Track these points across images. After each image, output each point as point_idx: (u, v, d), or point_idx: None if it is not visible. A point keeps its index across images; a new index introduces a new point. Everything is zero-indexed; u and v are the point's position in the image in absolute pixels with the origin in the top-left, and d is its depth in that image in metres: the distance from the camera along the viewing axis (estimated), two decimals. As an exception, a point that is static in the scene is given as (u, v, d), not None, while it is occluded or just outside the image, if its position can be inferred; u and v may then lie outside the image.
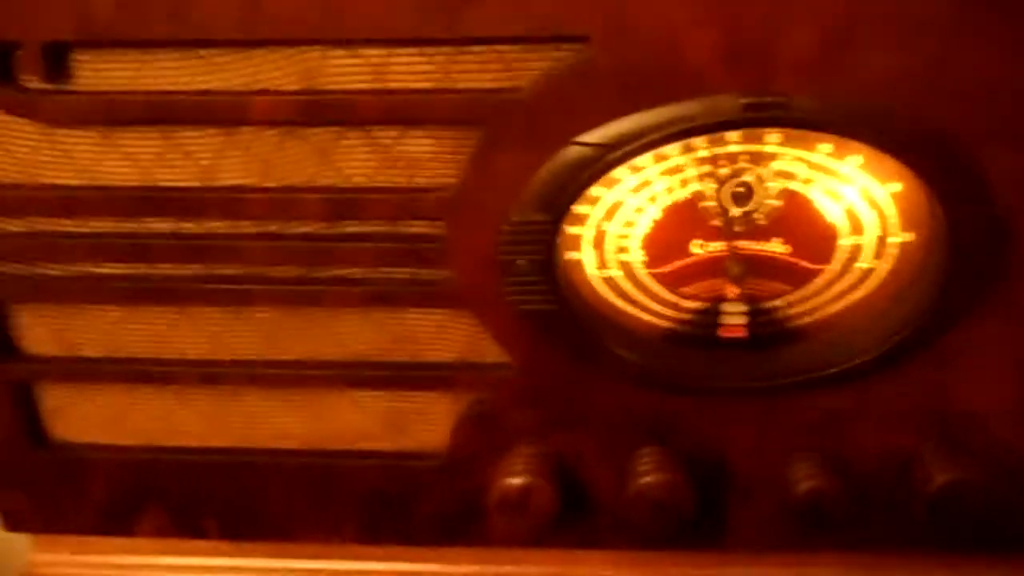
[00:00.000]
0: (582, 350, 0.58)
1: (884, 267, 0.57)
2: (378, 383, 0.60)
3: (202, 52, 0.53)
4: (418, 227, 0.56)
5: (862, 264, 0.57)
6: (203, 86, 0.53)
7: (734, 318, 0.59)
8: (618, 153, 0.52)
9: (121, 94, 0.54)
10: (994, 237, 0.53)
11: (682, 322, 0.59)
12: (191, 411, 0.63)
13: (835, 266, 0.57)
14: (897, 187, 0.55)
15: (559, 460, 0.60)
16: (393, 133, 0.54)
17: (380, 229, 0.56)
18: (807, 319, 0.59)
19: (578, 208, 0.55)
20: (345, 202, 0.55)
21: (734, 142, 0.54)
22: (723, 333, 0.60)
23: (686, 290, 0.58)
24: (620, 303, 0.59)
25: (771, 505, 0.60)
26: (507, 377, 0.59)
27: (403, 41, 0.51)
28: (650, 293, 0.59)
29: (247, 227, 0.57)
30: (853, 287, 0.58)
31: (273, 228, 0.57)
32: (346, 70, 0.53)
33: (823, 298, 0.58)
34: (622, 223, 0.56)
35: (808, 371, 0.58)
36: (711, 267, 0.58)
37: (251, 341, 0.60)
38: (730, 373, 0.59)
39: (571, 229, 0.56)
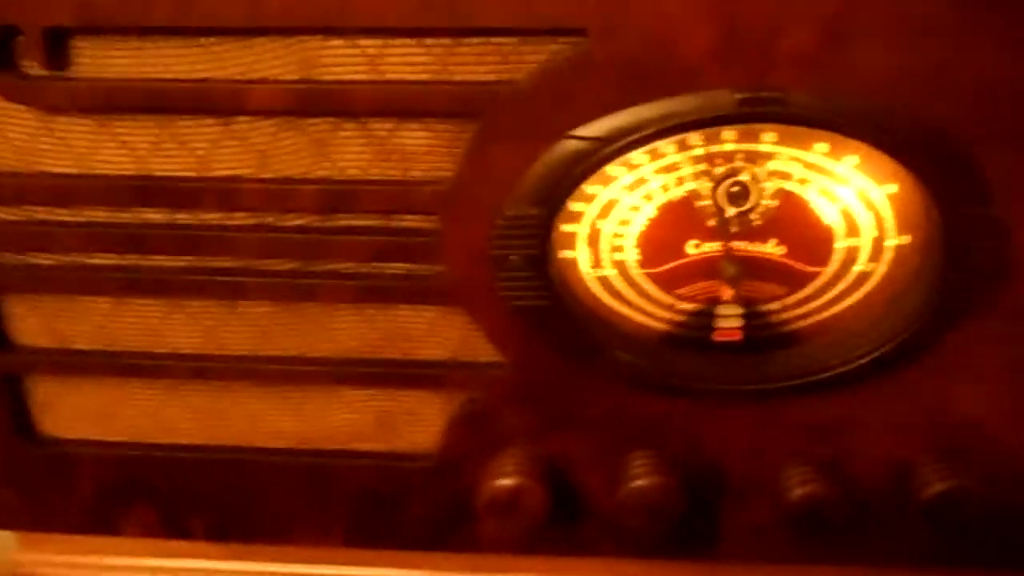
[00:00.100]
0: (575, 349, 0.57)
1: (880, 270, 0.57)
2: (370, 380, 0.60)
3: (202, 40, 0.53)
4: (412, 221, 0.56)
5: (858, 267, 0.57)
6: (202, 75, 0.54)
7: (729, 321, 0.59)
8: (614, 147, 0.52)
9: (120, 81, 0.54)
10: (991, 239, 0.53)
11: (677, 324, 0.59)
12: (182, 407, 0.62)
13: (831, 269, 0.57)
14: (893, 188, 0.55)
15: (551, 462, 0.59)
16: (389, 125, 0.54)
17: (374, 223, 0.56)
18: (803, 323, 0.59)
19: (573, 205, 0.55)
20: (340, 194, 0.55)
21: (730, 140, 0.54)
22: (718, 336, 0.59)
23: (681, 291, 0.58)
24: (615, 303, 0.59)
25: (766, 512, 0.59)
26: (499, 376, 0.58)
27: (401, 31, 0.52)
28: (645, 294, 0.58)
29: (242, 218, 0.57)
30: (849, 290, 0.57)
31: (268, 220, 0.57)
32: (343, 60, 0.53)
33: (819, 301, 0.58)
34: (617, 221, 0.56)
35: (804, 375, 0.57)
36: (706, 268, 0.57)
37: (244, 336, 0.60)
38: (725, 376, 0.58)
39: (566, 227, 0.56)
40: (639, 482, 0.57)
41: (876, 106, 0.51)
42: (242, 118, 0.55)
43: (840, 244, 0.56)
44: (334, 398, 0.62)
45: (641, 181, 0.55)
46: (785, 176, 0.55)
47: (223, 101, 0.54)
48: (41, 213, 0.58)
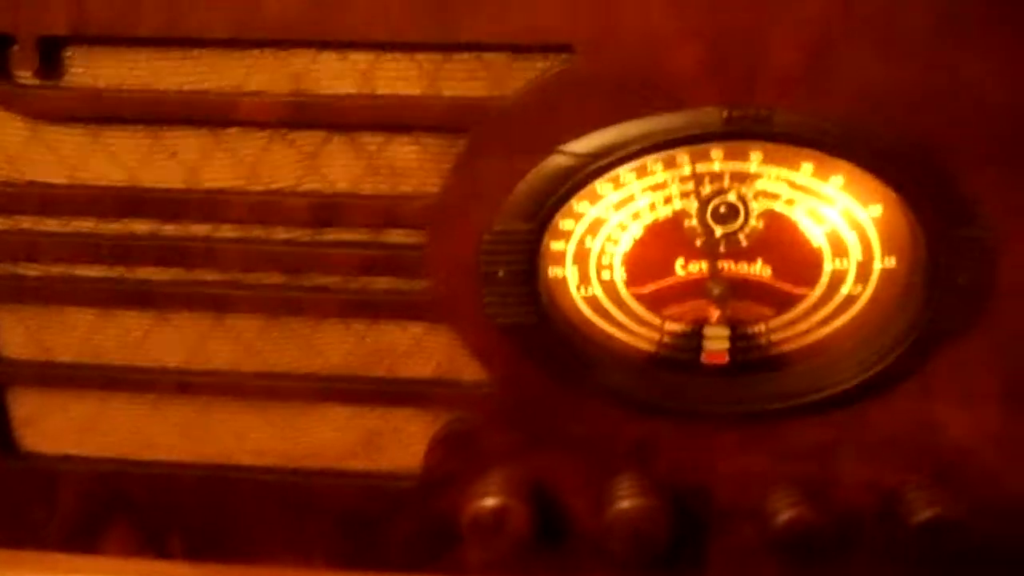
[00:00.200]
0: (562, 368, 0.57)
1: (867, 293, 0.57)
2: (355, 397, 0.60)
3: (194, 52, 0.53)
4: (400, 236, 0.56)
5: (845, 289, 0.57)
6: (194, 87, 0.54)
7: (717, 343, 0.59)
8: (601, 163, 0.52)
9: (112, 91, 0.54)
10: (976, 259, 0.53)
11: (664, 346, 0.59)
12: (165, 423, 0.62)
13: (818, 291, 0.57)
14: (878, 210, 0.55)
15: (536, 482, 0.59)
16: (378, 139, 0.55)
17: (363, 237, 0.56)
18: (790, 345, 0.58)
19: (562, 223, 0.56)
20: (328, 207, 0.55)
21: (717, 159, 0.55)
22: (706, 359, 0.59)
23: (669, 312, 0.58)
24: (602, 323, 0.58)
25: (752, 536, 0.59)
26: (485, 395, 0.58)
27: (392, 46, 0.52)
28: (632, 314, 0.58)
29: (229, 231, 0.57)
30: (836, 313, 0.57)
31: (256, 233, 0.57)
32: (334, 73, 0.53)
33: (806, 324, 0.58)
34: (605, 239, 0.56)
35: (791, 398, 0.57)
36: (693, 289, 0.57)
37: (229, 351, 0.60)
38: (713, 398, 0.58)
39: (555, 244, 0.56)
40: (624, 504, 0.56)
41: (862, 124, 0.51)
42: (232, 130, 0.55)
43: (827, 267, 0.56)
44: (318, 415, 0.61)
45: (629, 199, 0.56)
46: (772, 196, 0.55)
47: (214, 112, 0.54)
48: (27, 223, 0.58)
